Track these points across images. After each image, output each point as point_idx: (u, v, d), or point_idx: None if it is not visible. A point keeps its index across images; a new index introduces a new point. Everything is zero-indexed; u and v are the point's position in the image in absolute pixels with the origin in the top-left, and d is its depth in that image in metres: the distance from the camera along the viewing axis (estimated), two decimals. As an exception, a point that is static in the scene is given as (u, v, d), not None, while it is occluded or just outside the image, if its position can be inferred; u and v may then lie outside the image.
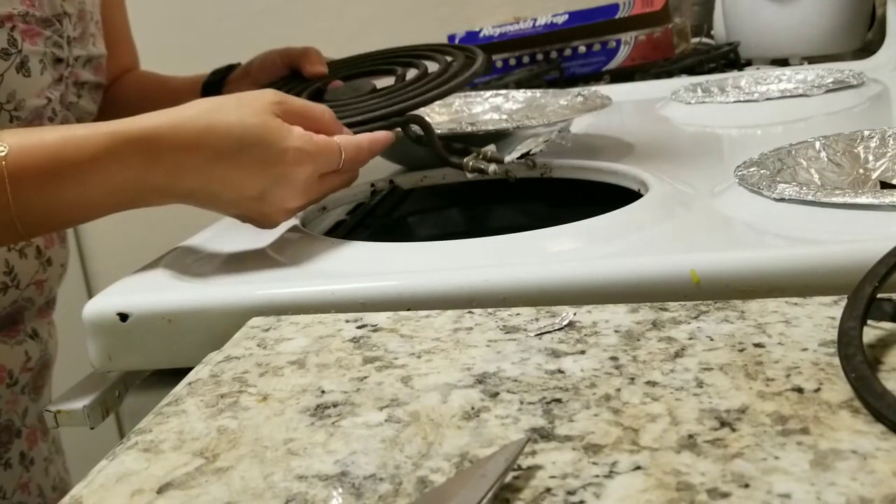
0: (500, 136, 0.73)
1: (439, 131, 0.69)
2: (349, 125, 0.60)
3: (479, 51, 0.71)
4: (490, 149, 0.64)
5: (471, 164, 0.63)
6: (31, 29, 0.66)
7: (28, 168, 0.49)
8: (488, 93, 0.93)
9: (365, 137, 0.58)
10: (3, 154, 0.49)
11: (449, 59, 0.71)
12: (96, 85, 0.76)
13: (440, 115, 0.90)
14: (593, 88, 0.90)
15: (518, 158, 0.63)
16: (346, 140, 0.56)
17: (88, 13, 0.75)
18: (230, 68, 0.85)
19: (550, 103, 0.86)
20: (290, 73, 0.80)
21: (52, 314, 0.79)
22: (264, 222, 0.55)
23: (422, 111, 0.66)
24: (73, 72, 0.72)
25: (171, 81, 0.90)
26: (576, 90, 0.88)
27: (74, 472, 0.82)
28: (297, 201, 0.54)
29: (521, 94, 0.90)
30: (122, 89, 0.88)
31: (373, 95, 0.67)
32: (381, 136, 0.60)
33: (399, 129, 0.64)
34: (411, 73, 0.71)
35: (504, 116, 0.88)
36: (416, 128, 0.64)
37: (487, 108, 0.91)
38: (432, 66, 0.71)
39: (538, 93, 0.90)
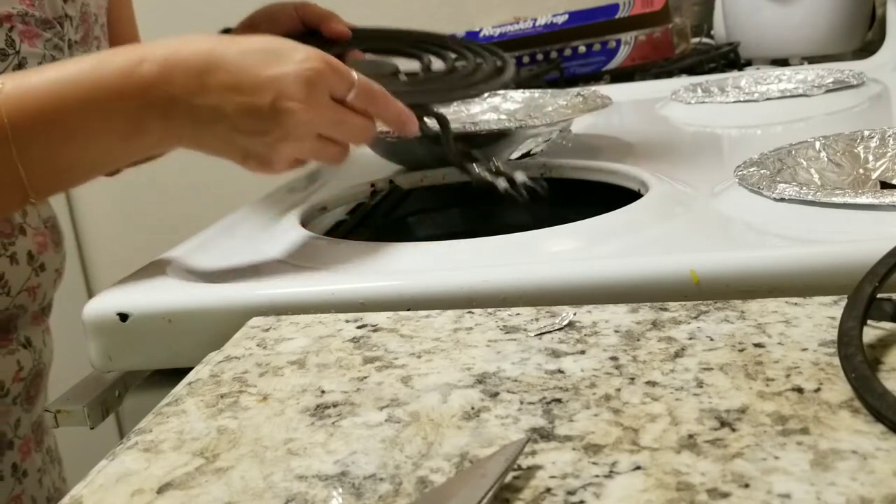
0: (501, 136, 0.72)
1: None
2: None
3: (510, 59, 0.69)
4: (500, 164, 0.61)
5: (481, 172, 0.60)
6: (31, 30, 0.64)
7: (27, 106, 0.48)
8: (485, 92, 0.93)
9: (383, 91, 0.54)
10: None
11: (478, 60, 0.69)
12: None
13: None
14: (593, 88, 0.89)
15: (519, 158, 0.62)
16: (364, 78, 0.53)
17: (92, 15, 0.74)
18: (225, 32, 0.80)
19: (550, 103, 0.86)
20: (305, 31, 0.75)
21: (48, 320, 0.78)
22: (266, 148, 0.50)
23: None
24: None
25: None
26: (575, 90, 0.88)
27: (75, 472, 0.82)
28: (305, 112, 0.49)
29: (518, 95, 0.90)
30: None
31: (396, 80, 0.64)
32: (405, 112, 0.55)
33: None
34: (436, 64, 0.69)
35: (503, 116, 0.88)
36: (432, 123, 0.61)
37: (486, 107, 0.90)
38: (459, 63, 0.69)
39: (536, 93, 0.90)
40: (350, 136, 0.53)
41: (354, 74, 0.52)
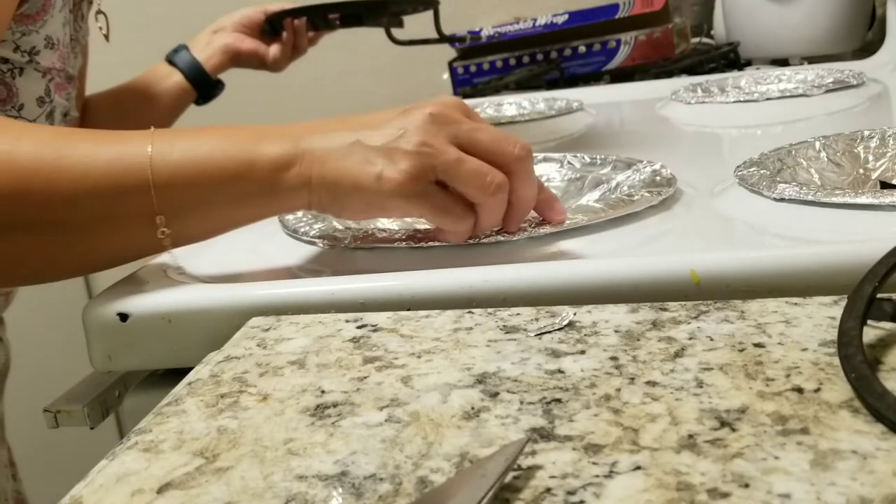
0: None
1: None
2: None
3: None
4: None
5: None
6: (61, 83, 0.71)
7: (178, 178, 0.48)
8: (540, 155, 0.70)
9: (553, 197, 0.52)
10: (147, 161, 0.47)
11: None
12: None
13: None
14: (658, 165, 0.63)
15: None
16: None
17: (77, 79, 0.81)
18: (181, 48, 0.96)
19: (609, 177, 0.65)
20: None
21: (4, 324, 0.81)
22: (392, 170, 0.47)
23: None
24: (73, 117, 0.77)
25: (136, 80, 0.98)
26: (648, 168, 0.63)
27: (75, 472, 0.82)
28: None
29: (577, 161, 0.69)
30: (93, 113, 0.94)
31: None
32: (559, 207, 0.53)
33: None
34: None
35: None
36: None
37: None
38: None
39: (598, 159, 0.68)
40: (471, 178, 0.48)
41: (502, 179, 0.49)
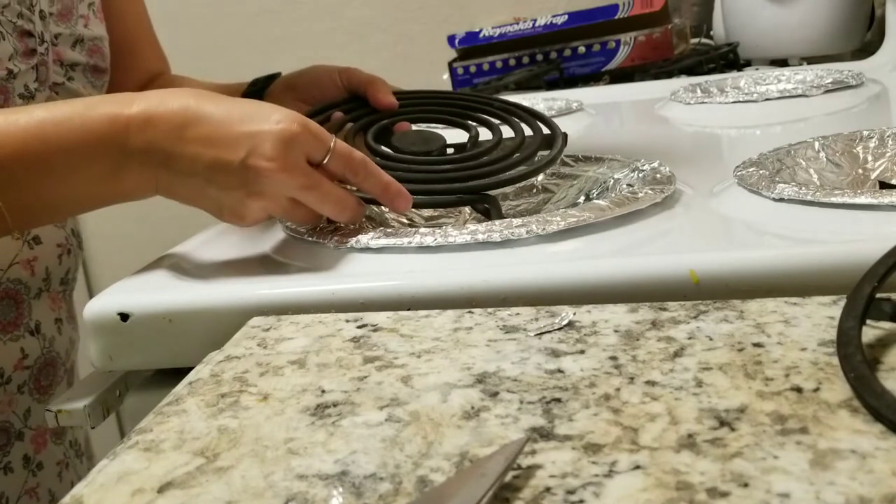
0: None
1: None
2: (414, 192, 0.55)
3: (558, 128, 0.66)
4: None
5: None
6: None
7: (11, 144, 0.49)
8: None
9: (364, 160, 0.53)
10: None
11: (526, 128, 0.66)
12: (93, 68, 0.74)
13: None
14: (654, 163, 0.63)
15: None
16: (343, 145, 0.53)
17: None
18: (270, 78, 0.77)
19: (606, 175, 0.66)
20: (349, 98, 0.71)
21: (65, 306, 0.76)
22: (237, 203, 0.51)
23: None
24: (55, 50, 0.69)
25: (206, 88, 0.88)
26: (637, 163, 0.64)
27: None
28: (276, 172, 0.49)
29: (571, 160, 0.70)
30: None
31: (445, 159, 0.63)
32: (392, 185, 0.54)
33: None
34: (483, 132, 0.68)
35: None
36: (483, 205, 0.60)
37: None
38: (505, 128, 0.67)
39: (593, 158, 0.69)
40: (322, 204, 0.52)
41: (332, 140, 0.52)
